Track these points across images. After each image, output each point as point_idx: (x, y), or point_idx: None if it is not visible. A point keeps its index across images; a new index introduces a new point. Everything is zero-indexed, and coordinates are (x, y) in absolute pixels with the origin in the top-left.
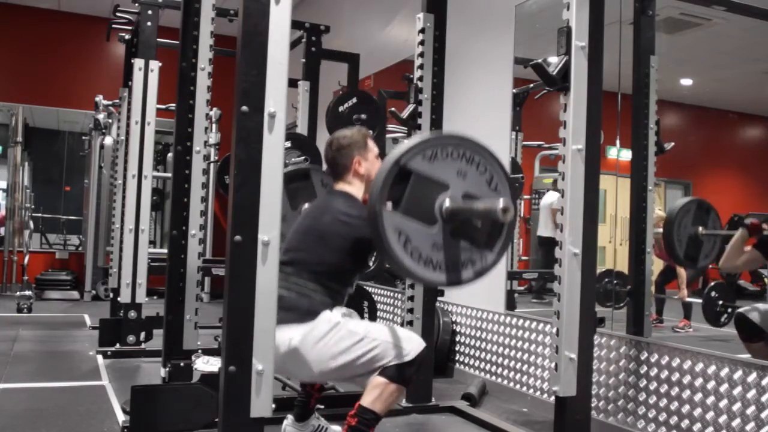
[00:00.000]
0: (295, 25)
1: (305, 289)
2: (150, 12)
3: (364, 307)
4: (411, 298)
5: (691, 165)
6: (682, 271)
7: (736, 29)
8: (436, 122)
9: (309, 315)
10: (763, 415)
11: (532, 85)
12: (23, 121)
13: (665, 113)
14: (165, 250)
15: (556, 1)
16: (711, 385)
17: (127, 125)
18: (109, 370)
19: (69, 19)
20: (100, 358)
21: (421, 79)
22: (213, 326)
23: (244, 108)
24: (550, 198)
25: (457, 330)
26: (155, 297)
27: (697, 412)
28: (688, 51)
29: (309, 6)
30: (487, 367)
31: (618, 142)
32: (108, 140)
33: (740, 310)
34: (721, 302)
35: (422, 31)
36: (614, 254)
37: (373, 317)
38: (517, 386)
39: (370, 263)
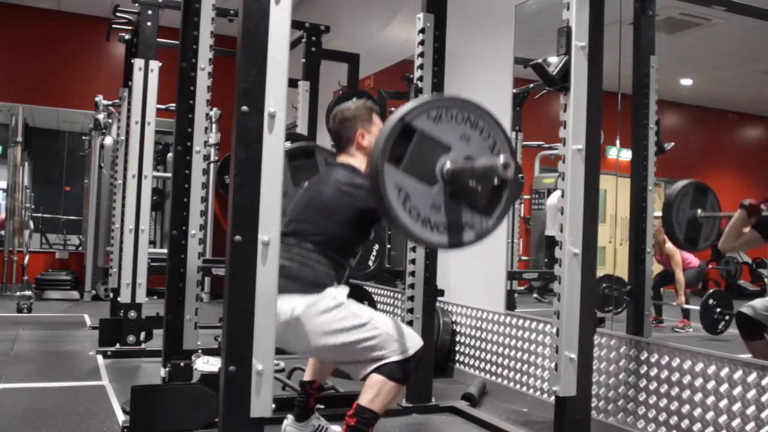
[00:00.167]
0: (295, 25)
1: (308, 259)
2: (150, 12)
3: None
4: (411, 298)
5: (691, 165)
6: (680, 277)
7: (736, 29)
8: None
9: (314, 286)
10: (763, 415)
11: (532, 85)
12: (23, 121)
13: (665, 113)
14: (165, 250)
15: (556, 1)
16: (711, 385)
17: (127, 125)
18: (109, 370)
19: (69, 19)
20: (100, 358)
21: (421, 79)
22: (213, 326)
23: (244, 108)
24: (557, 197)
25: (457, 330)
26: (155, 297)
27: (697, 412)
28: (688, 51)
29: (309, 6)
30: (487, 367)
31: (618, 142)
32: (108, 140)
33: (740, 309)
34: (719, 310)
35: (422, 31)
36: (614, 254)
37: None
38: (517, 386)
39: (372, 234)
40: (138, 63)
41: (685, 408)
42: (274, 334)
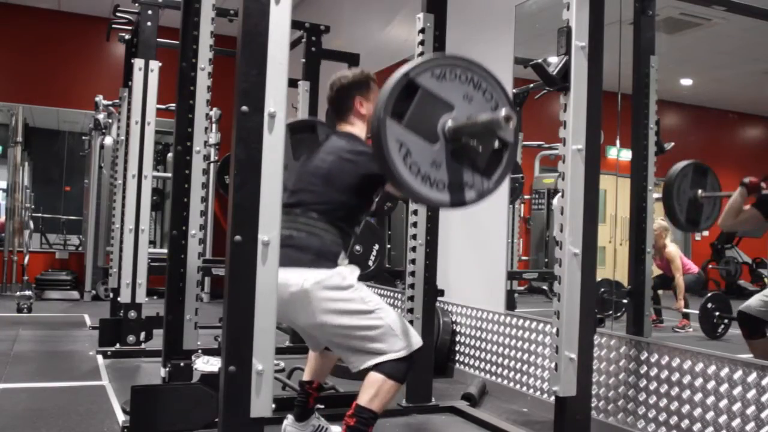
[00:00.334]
0: (295, 25)
1: (315, 228)
2: (150, 12)
3: None
4: (411, 298)
5: None
6: (680, 282)
7: (736, 29)
8: None
9: (324, 259)
10: (763, 415)
11: (532, 85)
12: (23, 121)
13: (665, 113)
14: (165, 250)
15: (556, 1)
16: (711, 385)
17: (127, 125)
18: (109, 370)
19: (69, 19)
20: (100, 358)
21: None
22: (213, 326)
23: (244, 108)
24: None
25: (457, 330)
26: (155, 297)
27: (697, 412)
28: (688, 51)
29: (309, 6)
30: (487, 367)
31: (618, 142)
32: (108, 140)
33: (739, 308)
34: (717, 313)
35: (422, 31)
36: (614, 254)
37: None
38: (517, 386)
39: (375, 201)
40: (138, 63)
41: (685, 408)
42: (274, 334)
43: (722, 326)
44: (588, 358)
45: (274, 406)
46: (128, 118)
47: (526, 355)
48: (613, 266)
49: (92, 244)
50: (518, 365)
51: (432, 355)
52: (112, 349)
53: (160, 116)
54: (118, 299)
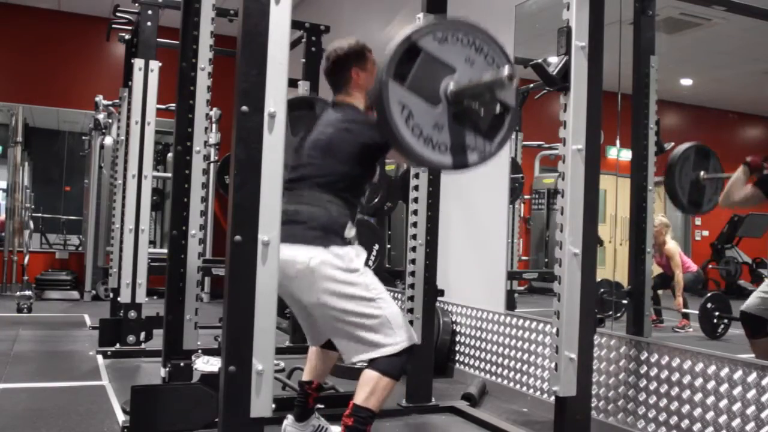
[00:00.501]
0: (295, 25)
1: (320, 201)
2: (150, 12)
3: None
4: (411, 298)
5: None
6: (680, 278)
7: (736, 29)
8: None
9: (333, 234)
10: (763, 415)
11: (532, 85)
12: (23, 121)
13: (665, 113)
14: (165, 250)
15: (556, 1)
16: (711, 385)
17: (127, 125)
18: (109, 370)
19: (69, 19)
20: (100, 358)
21: None
22: (213, 326)
23: (244, 108)
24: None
25: (457, 330)
26: (155, 297)
27: (697, 412)
28: (688, 51)
29: (309, 6)
30: (487, 367)
31: (618, 142)
32: (108, 140)
33: (741, 308)
34: (717, 313)
35: None
36: (614, 254)
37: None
38: (517, 386)
39: (377, 170)
40: (138, 63)
41: (685, 408)
42: (274, 334)
43: (722, 326)
44: (588, 358)
45: (274, 406)
46: (128, 118)
47: (526, 355)
48: (613, 266)
49: (92, 244)
50: (518, 365)
51: (432, 355)
52: (112, 349)
53: (160, 116)
54: (118, 299)
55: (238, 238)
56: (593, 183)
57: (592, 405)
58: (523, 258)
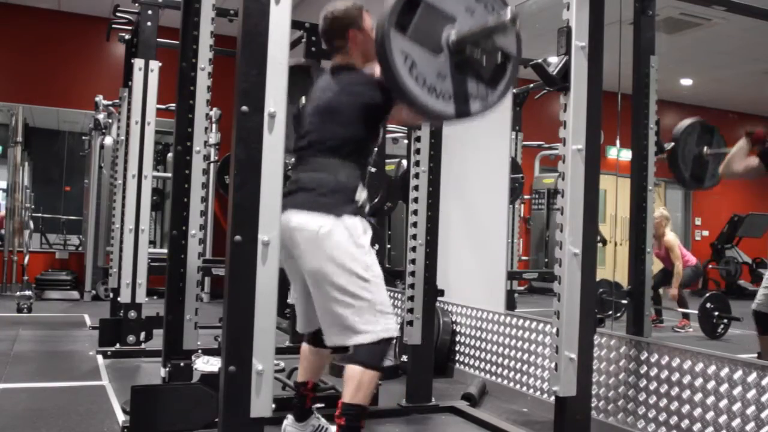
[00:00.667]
0: (295, 25)
1: (328, 166)
2: (150, 12)
3: None
4: (411, 298)
5: None
6: (679, 269)
7: (736, 29)
8: None
9: (343, 201)
10: (763, 415)
11: (532, 85)
12: (23, 121)
13: (665, 113)
14: (165, 250)
15: (556, 1)
16: (711, 385)
17: (127, 125)
18: (109, 370)
19: (69, 19)
20: (100, 358)
21: None
22: (213, 326)
23: (244, 108)
24: None
25: (457, 330)
26: (155, 297)
27: (697, 412)
28: (688, 51)
29: (309, 6)
30: (487, 367)
31: (618, 142)
32: (108, 140)
33: (752, 306)
34: (717, 313)
35: None
36: (614, 254)
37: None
38: (517, 386)
39: (382, 133)
40: (138, 63)
41: (685, 408)
42: (274, 334)
43: (722, 326)
44: (588, 358)
45: (274, 406)
46: (128, 118)
47: (526, 355)
48: (613, 266)
49: (92, 244)
50: (518, 365)
51: (432, 355)
52: (112, 349)
53: (160, 116)
54: (118, 299)
55: (238, 238)
56: (593, 183)
57: (592, 405)
58: (523, 258)
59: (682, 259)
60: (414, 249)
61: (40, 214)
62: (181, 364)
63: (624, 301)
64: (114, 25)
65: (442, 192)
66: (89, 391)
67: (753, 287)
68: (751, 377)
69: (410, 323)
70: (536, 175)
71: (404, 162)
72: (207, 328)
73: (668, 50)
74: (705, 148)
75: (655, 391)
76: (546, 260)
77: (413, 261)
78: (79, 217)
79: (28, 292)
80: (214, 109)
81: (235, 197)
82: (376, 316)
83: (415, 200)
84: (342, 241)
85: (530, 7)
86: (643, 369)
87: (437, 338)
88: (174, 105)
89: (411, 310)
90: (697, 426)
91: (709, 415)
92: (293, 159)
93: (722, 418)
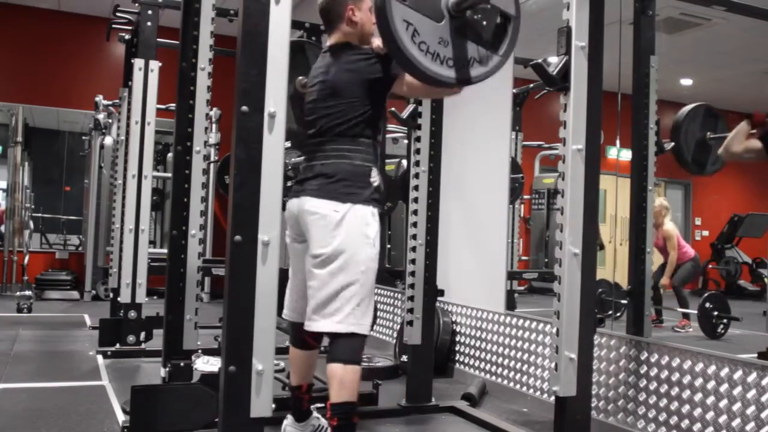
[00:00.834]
0: (295, 25)
1: (341, 151)
2: (150, 12)
3: None
4: (411, 298)
5: None
6: (673, 258)
7: (736, 29)
8: (436, 122)
9: (359, 188)
10: (763, 415)
11: (532, 85)
12: (23, 121)
13: (665, 113)
14: (165, 250)
15: (556, 1)
16: (711, 385)
17: (127, 125)
18: (109, 370)
19: (69, 19)
20: (100, 358)
21: None
22: (213, 326)
23: (244, 108)
24: None
25: (457, 330)
26: (155, 297)
27: (697, 412)
28: (688, 51)
29: (309, 6)
30: (487, 367)
31: (618, 142)
32: (108, 140)
33: None
34: (716, 313)
35: None
36: (614, 254)
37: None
38: (517, 386)
39: (386, 105)
40: (138, 63)
41: (685, 408)
42: (274, 334)
43: (722, 326)
44: (588, 358)
45: (274, 406)
46: (128, 118)
47: (526, 355)
48: (613, 266)
49: (92, 244)
50: (518, 365)
51: (432, 355)
52: (112, 349)
53: (160, 116)
54: (118, 299)
55: (238, 238)
56: (593, 183)
57: (592, 405)
58: (523, 258)
59: (680, 250)
60: (414, 249)
61: (40, 214)
62: (181, 364)
63: (624, 301)
64: (114, 25)
65: (442, 192)
66: (89, 391)
67: (753, 287)
68: (751, 377)
69: (410, 323)
70: (536, 175)
71: (404, 162)
72: (207, 328)
73: (668, 50)
74: (708, 134)
75: (655, 391)
76: (546, 260)
77: (413, 261)
78: (79, 217)
79: (28, 292)
80: (214, 109)
81: (235, 197)
82: (355, 311)
83: (415, 200)
84: (351, 230)
85: (530, 7)
86: (643, 369)
87: (437, 338)
88: (174, 105)
89: (411, 310)
90: (697, 426)
91: (709, 415)
92: (307, 147)
93: (722, 418)
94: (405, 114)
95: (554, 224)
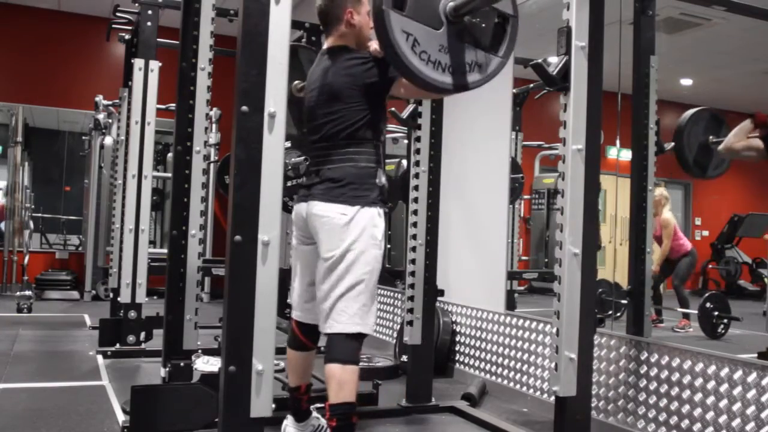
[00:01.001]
0: (295, 25)
1: (347, 155)
2: (150, 12)
3: None
4: (411, 298)
5: None
6: (666, 248)
7: (736, 29)
8: (436, 122)
9: (366, 191)
10: (763, 415)
11: (532, 85)
12: (23, 121)
13: (665, 113)
14: (165, 250)
15: (556, 1)
16: (711, 385)
17: (127, 125)
18: (109, 370)
19: (69, 19)
20: (100, 358)
21: None
22: (213, 326)
23: (244, 108)
24: None
25: (457, 330)
26: (155, 297)
27: (697, 412)
28: (688, 51)
29: (309, 6)
30: (487, 367)
31: (618, 142)
32: (108, 140)
33: None
34: (717, 313)
35: None
36: (614, 254)
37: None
38: (517, 386)
39: (386, 105)
40: (138, 63)
41: (685, 408)
42: (274, 334)
43: (722, 326)
44: (588, 358)
45: (274, 406)
46: (128, 118)
47: (526, 355)
48: (613, 266)
49: (92, 244)
50: (518, 365)
51: (432, 355)
52: (112, 349)
53: (160, 116)
54: (118, 299)
55: (238, 238)
56: (593, 183)
57: (592, 405)
58: (523, 258)
59: (676, 242)
60: (414, 249)
61: (40, 214)
62: (181, 364)
63: (624, 301)
64: (114, 25)
65: (442, 192)
66: (89, 391)
67: (753, 287)
68: (751, 377)
69: (410, 323)
70: (536, 175)
71: (404, 162)
72: (207, 328)
73: (668, 50)
74: (710, 137)
75: (655, 391)
76: (546, 260)
77: (413, 261)
78: (79, 217)
79: (28, 292)
80: (214, 109)
81: (235, 197)
82: (358, 311)
83: (415, 200)
84: (360, 232)
85: (530, 7)
86: (643, 369)
87: (437, 338)
88: (174, 105)
89: (411, 310)
90: (697, 426)
91: (709, 415)
92: (312, 152)
93: (722, 418)
94: (405, 114)
95: (554, 224)
